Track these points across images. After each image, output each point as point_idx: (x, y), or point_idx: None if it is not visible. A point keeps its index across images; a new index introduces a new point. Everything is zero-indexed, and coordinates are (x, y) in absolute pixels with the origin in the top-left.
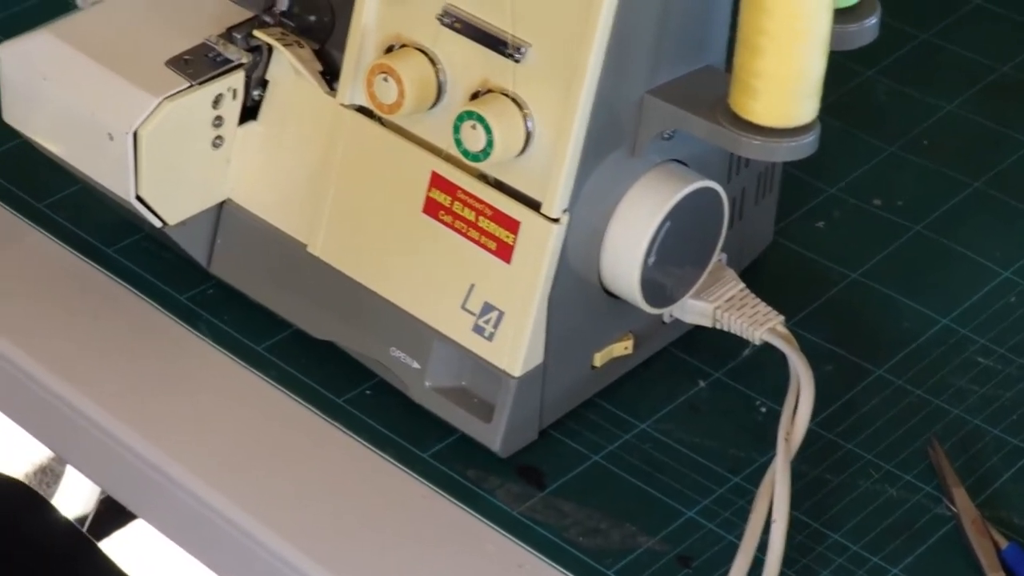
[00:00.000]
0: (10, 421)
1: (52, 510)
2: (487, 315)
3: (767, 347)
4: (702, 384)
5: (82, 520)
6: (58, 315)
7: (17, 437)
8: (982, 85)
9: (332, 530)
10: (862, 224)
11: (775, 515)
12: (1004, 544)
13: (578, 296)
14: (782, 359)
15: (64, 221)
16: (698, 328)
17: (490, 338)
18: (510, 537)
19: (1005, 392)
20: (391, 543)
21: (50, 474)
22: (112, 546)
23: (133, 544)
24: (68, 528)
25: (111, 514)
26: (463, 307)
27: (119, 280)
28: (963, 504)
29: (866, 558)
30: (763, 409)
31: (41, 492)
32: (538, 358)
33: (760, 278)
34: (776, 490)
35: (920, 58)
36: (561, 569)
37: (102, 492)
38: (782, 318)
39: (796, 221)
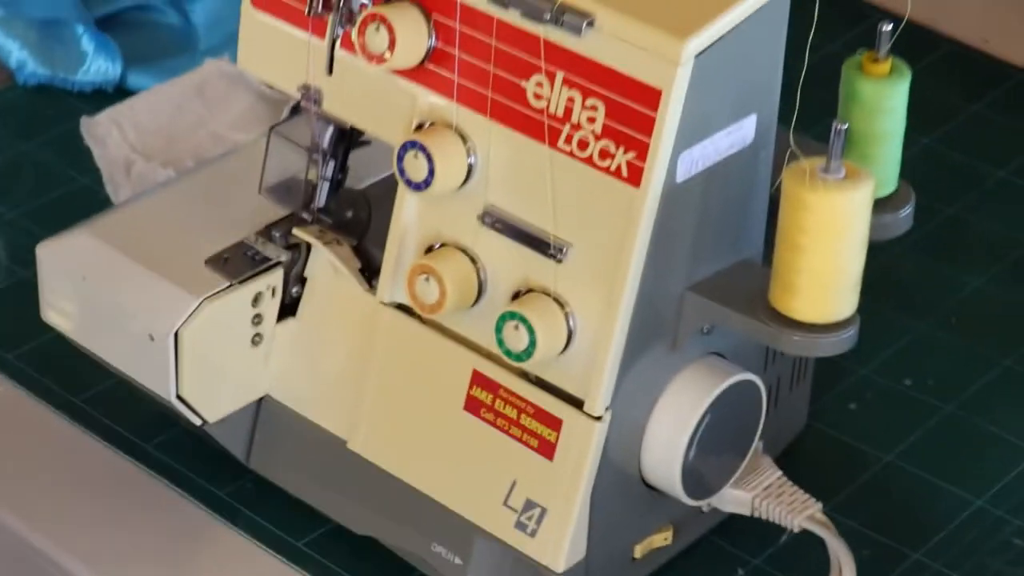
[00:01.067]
0: None
1: None
2: (529, 512)
3: (806, 532)
4: (741, 572)
5: None
6: (97, 512)
7: None
8: (1009, 260)
9: None
10: (894, 405)
11: None
12: None
13: (619, 490)
14: (820, 544)
15: (101, 416)
16: (736, 515)
17: (532, 534)
18: None
19: None
20: None
21: None
22: None
23: None
24: None
25: None
26: (505, 503)
27: (157, 476)
28: None
29: None
30: None
31: None
32: (580, 553)
33: (796, 462)
34: None
35: (946, 234)
36: None
37: None
38: (820, 505)
39: (829, 403)
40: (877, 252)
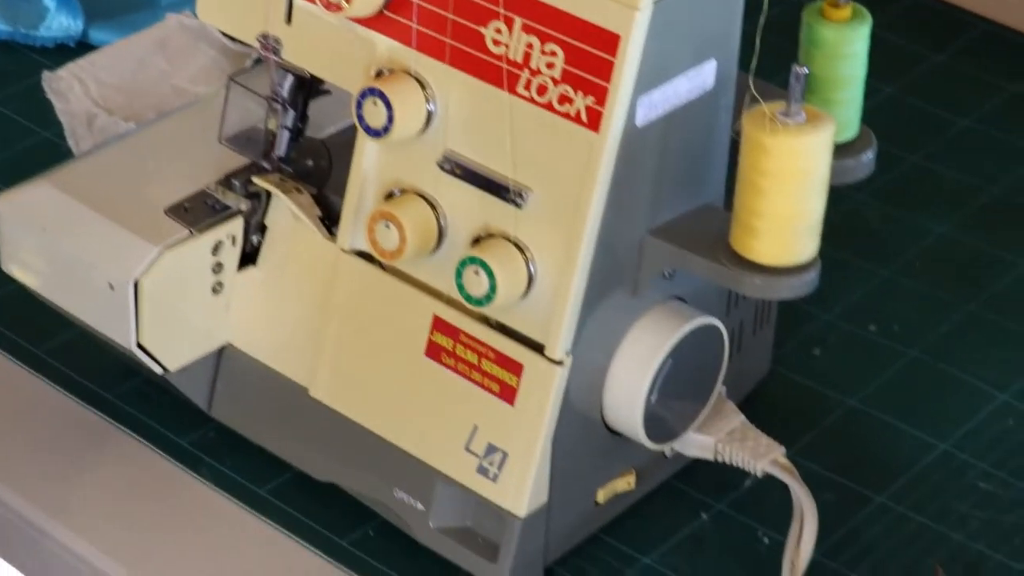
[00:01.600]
0: (9, 567)
1: None
2: (491, 456)
3: (769, 477)
4: (705, 516)
5: None
6: (58, 462)
7: None
8: (973, 207)
9: None
10: (858, 350)
11: None
12: None
13: (581, 434)
14: (783, 488)
15: (62, 367)
16: (699, 459)
17: (494, 479)
18: None
19: (1007, 516)
20: None
21: None
22: None
23: None
24: None
25: None
26: (467, 448)
27: (119, 426)
28: None
29: None
30: (766, 540)
31: None
32: (542, 497)
33: (758, 408)
34: None
35: (910, 181)
36: None
37: None
38: (783, 449)
39: (792, 349)
40: (841, 200)
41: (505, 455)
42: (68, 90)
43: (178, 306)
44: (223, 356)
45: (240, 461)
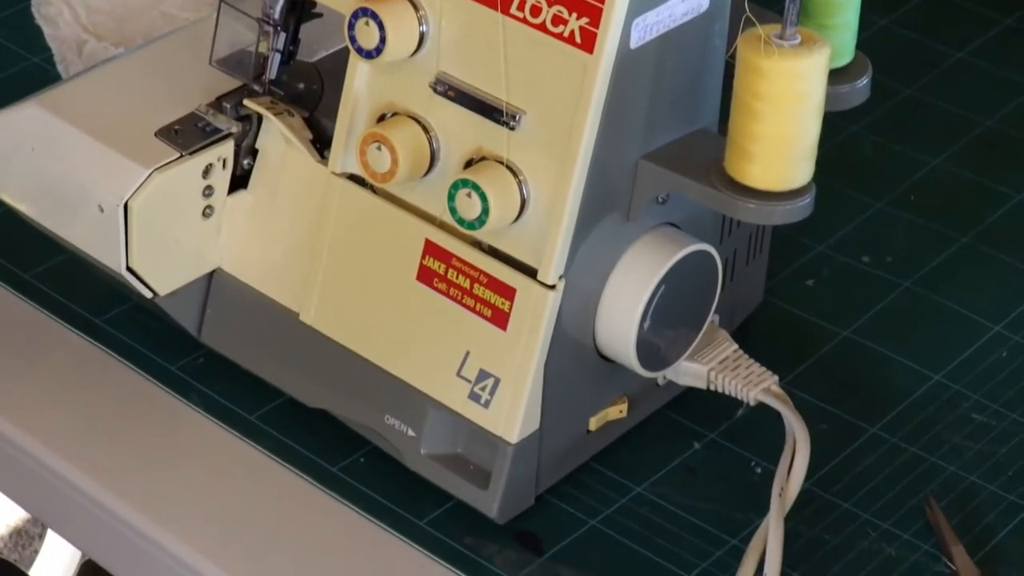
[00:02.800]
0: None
1: None
2: (483, 382)
3: (761, 407)
4: (697, 446)
5: None
6: (47, 386)
7: None
8: (967, 139)
9: None
10: (852, 281)
11: (767, 570)
12: None
13: (573, 361)
14: (777, 419)
15: (51, 291)
16: (692, 389)
17: (486, 405)
18: None
19: (1000, 448)
20: None
21: (24, 536)
22: None
23: None
24: None
25: None
26: (458, 374)
27: (109, 351)
28: (962, 562)
29: None
30: (759, 470)
31: (15, 555)
32: (534, 424)
33: (751, 338)
34: (769, 545)
35: (905, 113)
36: None
37: (81, 559)
38: (776, 378)
39: (786, 279)
40: (835, 131)
41: (497, 381)
42: (58, 15)
43: (168, 229)
44: (213, 281)
45: (230, 387)
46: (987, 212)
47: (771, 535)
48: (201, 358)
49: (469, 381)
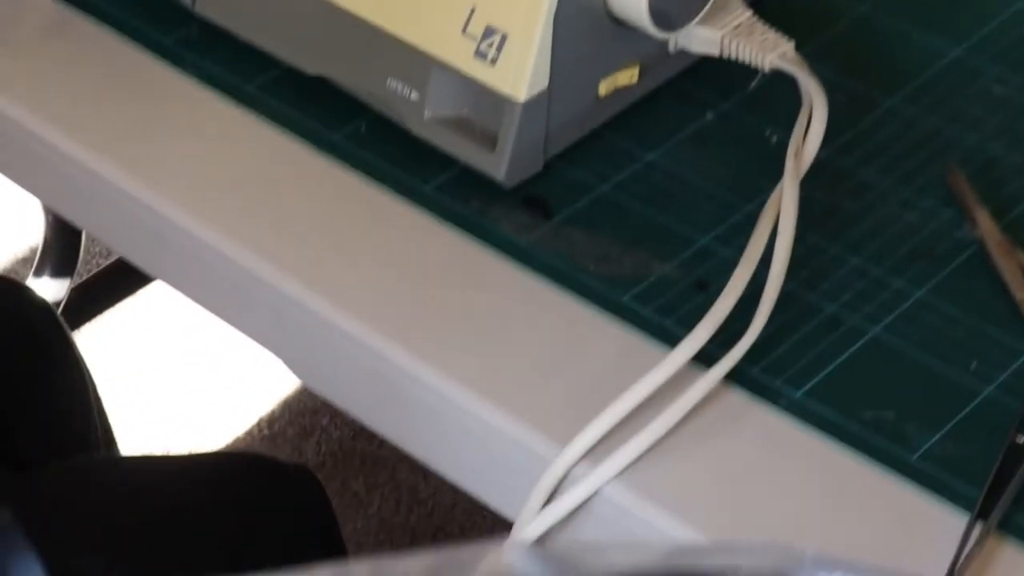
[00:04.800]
0: None
1: (27, 291)
2: (489, 39)
3: (776, 78)
4: (710, 115)
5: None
6: (40, 61)
7: None
8: None
9: (334, 264)
10: None
11: (781, 225)
12: None
13: (583, 19)
14: (792, 90)
15: None
16: (705, 59)
17: (493, 63)
18: (519, 266)
19: (1022, 120)
20: (396, 275)
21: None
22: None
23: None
24: (44, 310)
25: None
26: (464, 32)
27: (101, 23)
28: (986, 226)
29: (889, 281)
30: (774, 138)
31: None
32: (543, 83)
33: (766, 10)
34: (783, 207)
35: None
36: (573, 296)
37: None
38: (792, 44)
39: None
40: None
41: (504, 36)
42: None
43: None
44: None
45: (227, 58)
46: None
47: (785, 196)
48: (196, 30)
49: (475, 38)
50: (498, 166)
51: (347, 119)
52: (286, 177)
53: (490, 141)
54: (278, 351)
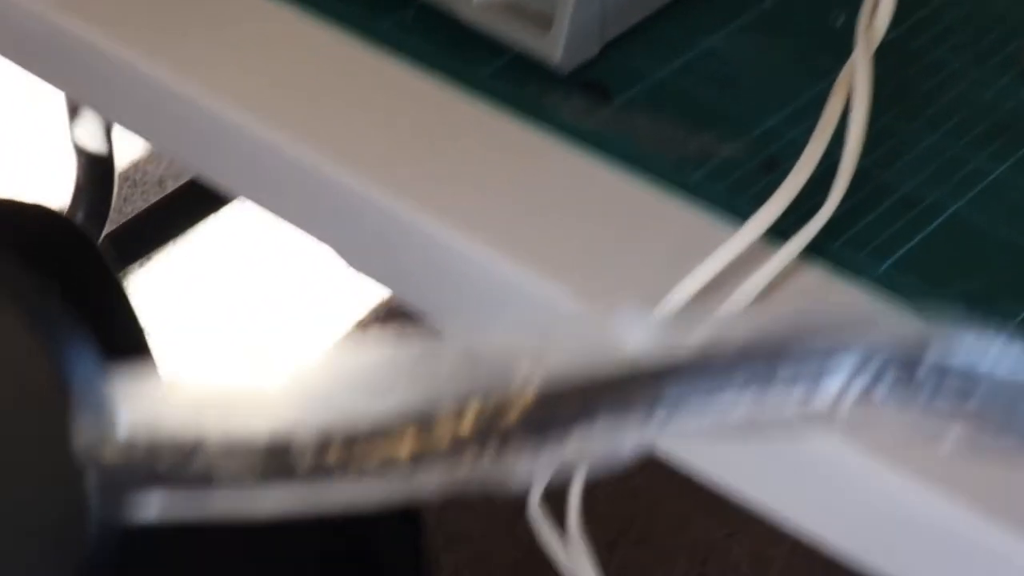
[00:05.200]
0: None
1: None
2: None
3: None
4: (768, 2)
5: None
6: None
7: None
8: None
9: (388, 154)
10: None
11: (855, 98)
12: None
13: None
14: None
15: None
16: None
17: None
18: (581, 151)
19: None
20: (453, 163)
21: None
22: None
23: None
24: (105, 271)
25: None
26: None
27: None
28: None
29: (968, 157)
30: (840, 20)
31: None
32: None
33: None
34: (856, 75)
35: None
36: (639, 178)
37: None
38: None
39: None
40: None
41: None
42: None
43: None
44: None
45: None
46: None
47: (859, 70)
48: None
49: None
50: (554, 48)
51: (394, 7)
52: (333, 69)
53: (544, 22)
54: (334, 243)
